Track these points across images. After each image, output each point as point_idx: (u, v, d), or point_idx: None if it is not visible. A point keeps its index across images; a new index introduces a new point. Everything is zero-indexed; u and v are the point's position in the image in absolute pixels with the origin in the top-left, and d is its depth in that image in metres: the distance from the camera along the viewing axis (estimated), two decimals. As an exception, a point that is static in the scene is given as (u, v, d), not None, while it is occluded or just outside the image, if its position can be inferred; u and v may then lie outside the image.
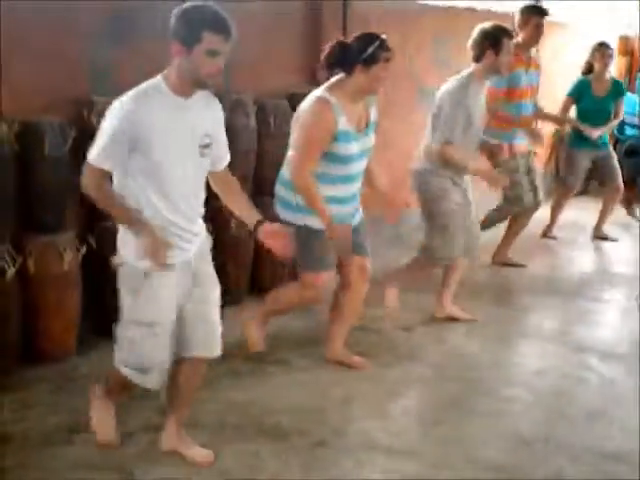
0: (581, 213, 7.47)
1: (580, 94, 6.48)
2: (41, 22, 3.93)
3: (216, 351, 3.03)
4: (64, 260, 3.83)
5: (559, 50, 7.72)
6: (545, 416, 3.58)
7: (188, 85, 2.73)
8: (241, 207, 3.03)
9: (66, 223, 3.97)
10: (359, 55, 3.47)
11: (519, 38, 5.30)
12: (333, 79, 3.60)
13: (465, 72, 4.43)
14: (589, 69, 6.52)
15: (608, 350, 4.32)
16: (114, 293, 4.10)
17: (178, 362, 2.99)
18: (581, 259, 6.39)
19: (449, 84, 4.39)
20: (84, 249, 4.01)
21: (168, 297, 2.83)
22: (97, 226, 4.11)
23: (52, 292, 3.84)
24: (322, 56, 3.59)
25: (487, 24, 4.48)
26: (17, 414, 3.41)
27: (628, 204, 7.45)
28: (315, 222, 3.60)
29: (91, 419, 3.17)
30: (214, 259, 3.16)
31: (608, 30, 8.55)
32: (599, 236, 6.83)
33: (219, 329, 3.02)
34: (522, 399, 3.74)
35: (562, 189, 6.84)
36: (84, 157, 3.89)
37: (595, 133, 6.36)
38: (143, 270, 2.75)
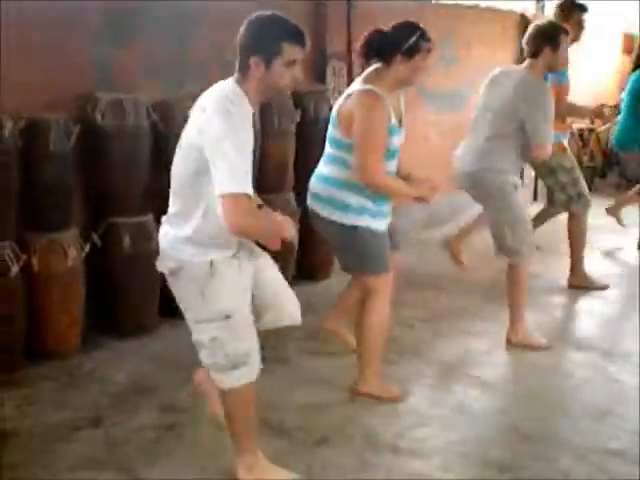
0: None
1: None
2: (46, 19, 3.93)
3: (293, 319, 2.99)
4: (68, 257, 3.83)
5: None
6: (549, 415, 3.57)
7: (261, 96, 2.69)
8: None
9: (70, 220, 3.97)
10: (400, 45, 3.35)
11: None
12: (368, 70, 3.46)
13: (521, 68, 4.36)
14: (638, 63, 6.39)
15: (612, 349, 4.31)
16: (117, 290, 4.15)
17: None
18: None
19: (512, 81, 4.23)
20: (88, 246, 4.02)
21: (237, 283, 2.71)
22: (101, 223, 4.12)
23: (56, 289, 3.84)
24: (358, 44, 3.45)
25: (543, 20, 4.45)
26: (21, 411, 3.42)
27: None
28: (371, 222, 3.44)
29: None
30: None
31: (612, 28, 8.54)
32: (614, 215, 6.75)
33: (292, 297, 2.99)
34: (526, 397, 3.73)
35: None
36: (88, 153, 3.91)
37: None
38: (208, 261, 2.64)
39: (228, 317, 2.67)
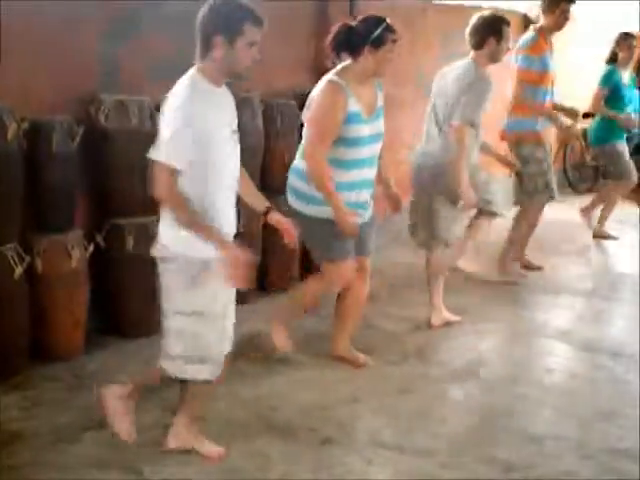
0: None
1: (613, 84, 6.32)
2: (49, 20, 3.93)
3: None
4: (72, 258, 3.83)
5: (571, 44, 7.71)
6: (556, 415, 3.56)
7: (224, 77, 2.80)
8: (250, 193, 3.11)
9: (73, 221, 3.97)
10: (366, 37, 3.48)
11: (542, 22, 5.27)
12: (341, 65, 3.60)
13: (465, 60, 4.41)
14: (613, 59, 6.41)
15: (618, 349, 4.31)
16: (120, 291, 4.15)
17: None
18: (591, 258, 6.36)
19: (456, 71, 4.35)
20: (92, 247, 4.01)
21: (222, 288, 2.83)
22: (105, 224, 4.12)
23: (60, 290, 3.84)
24: (328, 39, 3.58)
25: (486, 12, 4.50)
26: (26, 412, 3.42)
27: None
28: (329, 212, 3.54)
29: (109, 419, 3.09)
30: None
31: (625, 25, 8.51)
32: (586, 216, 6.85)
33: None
34: (533, 398, 3.72)
35: (620, 186, 6.55)
36: (92, 155, 3.90)
37: (635, 121, 6.26)
38: (201, 260, 2.74)
39: (201, 314, 2.81)
